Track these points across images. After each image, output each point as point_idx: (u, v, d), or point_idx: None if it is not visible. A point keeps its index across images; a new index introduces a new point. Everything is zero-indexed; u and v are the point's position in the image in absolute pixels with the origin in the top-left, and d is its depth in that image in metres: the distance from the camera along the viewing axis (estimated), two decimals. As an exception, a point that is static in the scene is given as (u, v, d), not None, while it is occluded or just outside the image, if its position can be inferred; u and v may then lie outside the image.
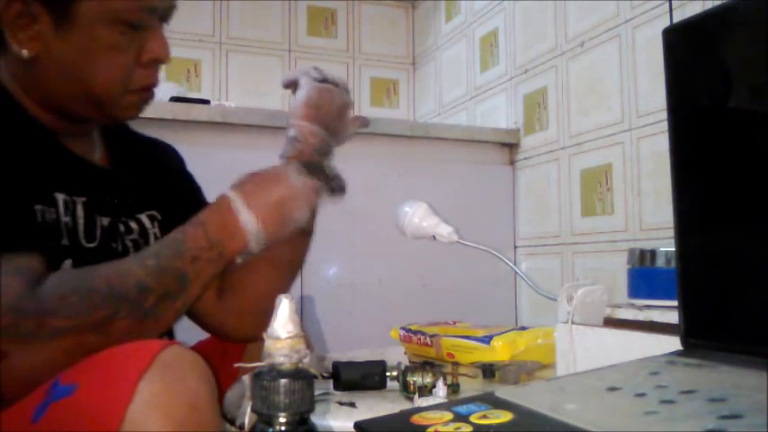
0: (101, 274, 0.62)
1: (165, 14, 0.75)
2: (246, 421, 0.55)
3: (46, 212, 0.67)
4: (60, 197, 0.69)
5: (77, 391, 0.52)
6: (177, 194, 0.91)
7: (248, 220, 0.70)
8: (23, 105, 0.72)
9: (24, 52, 0.67)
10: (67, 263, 0.68)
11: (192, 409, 0.52)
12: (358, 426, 0.44)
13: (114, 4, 0.68)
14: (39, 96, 0.71)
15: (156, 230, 0.82)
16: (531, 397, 0.44)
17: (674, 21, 1.27)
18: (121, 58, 0.71)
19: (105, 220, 0.75)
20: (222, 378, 0.89)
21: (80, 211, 0.71)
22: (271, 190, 0.74)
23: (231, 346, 0.91)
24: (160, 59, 0.74)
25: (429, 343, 1.06)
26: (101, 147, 0.82)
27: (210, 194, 1.52)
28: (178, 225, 0.72)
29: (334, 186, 0.86)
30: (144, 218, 0.81)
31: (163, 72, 2.18)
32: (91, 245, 0.71)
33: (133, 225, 0.79)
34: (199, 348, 0.93)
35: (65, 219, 0.69)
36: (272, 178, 0.76)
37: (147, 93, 0.76)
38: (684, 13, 1.22)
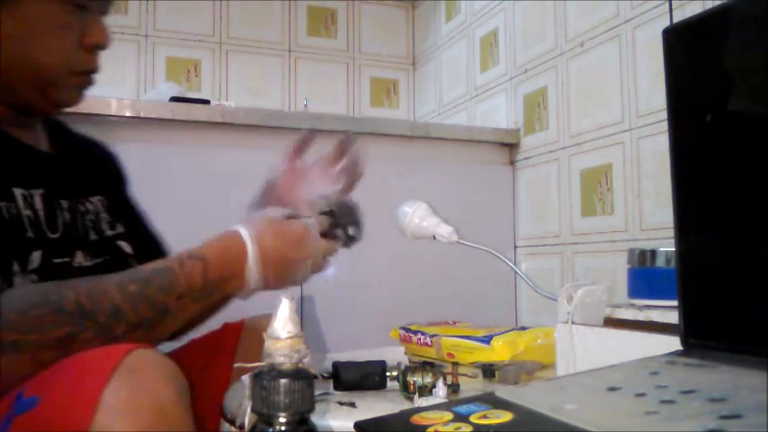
0: (72, 292, 0.60)
1: (104, 6, 0.76)
2: (246, 421, 0.55)
3: (9, 208, 0.67)
4: (18, 192, 0.69)
5: (41, 403, 0.51)
6: (118, 184, 0.92)
7: (253, 274, 0.69)
8: None
9: None
10: (36, 254, 0.68)
11: (161, 414, 0.51)
12: (358, 426, 0.44)
13: None
14: None
15: (106, 214, 0.83)
16: (531, 397, 0.44)
17: (674, 21, 1.27)
18: (66, 37, 0.72)
19: (65, 206, 0.75)
20: (214, 373, 0.89)
21: (38, 204, 0.71)
22: (288, 250, 0.72)
23: (224, 341, 0.91)
24: (101, 44, 0.75)
25: (429, 343, 1.07)
26: (45, 138, 0.82)
27: (210, 194, 1.52)
28: (123, 211, 0.73)
29: (350, 237, 0.85)
30: (95, 201, 0.82)
31: (163, 72, 2.19)
32: (55, 235, 0.72)
33: (89, 206, 0.80)
34: (189, 346, 0.94)
35: (26, 212, 0.69)
36: (293, 238, 0.73)
37: (88, 77, 0.76)
38: (684, 13, 1.22)
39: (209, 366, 0.89)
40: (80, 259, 0.74)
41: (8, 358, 0.56)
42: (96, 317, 0.59)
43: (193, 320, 0.86)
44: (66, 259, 0.72)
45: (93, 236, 0.79)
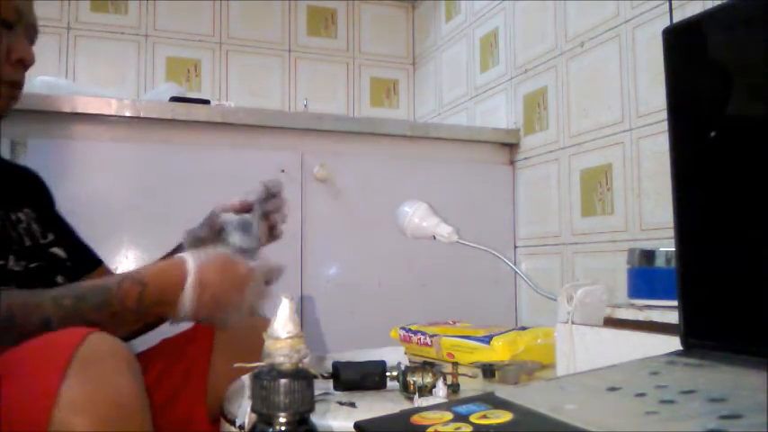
0: (7, 301, 0.61)
1: (32, 34, 0.81)
2: (246, 421, 0.55)
3: None
4: None
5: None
6: (45, 201, 0.94)
7: (188, 304, 0.70)
8: None
9: None
10: None
11: (119, 407, 0.52)
12: (358, 426, 0.44)
13: None
14: None
15: (36, 225, 0.84)
16: (531, 397, 0.44)
17: (674, 21, 1.27)
18: None
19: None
20: (188, 366, 0.89)
21: None
22: (227, 289, 0.73)
23: (199, 333, 0.91)
24: (25, 61, 0.79)
25: (429, 343, 1.06)
26: None
27: (210, 194, 1.52)
28: (53, 222, 0.75)
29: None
30: (25, 212, 0.84)
31: (163, 72, 2.18)
32: None
33: (21, 216, 0.83)
34: (162, 346, 0.94)
35: None
36: (236, 280, 0.74)
37: (15, 89, 0.80)
38: (684, 13, 1.22)
39: (186, 367, 0.89)
40: (12, 264, 0.75)
41: None
42: (25, 327, 0.60)
43: (125, 337, 0.87)
44: (2, 262, 0.73)
45: (27, 242, 0.81)
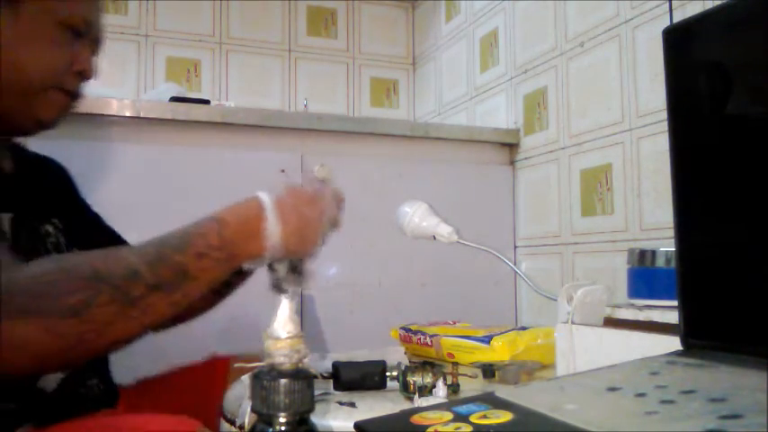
0: (86, 258, 0.58)
1: (96, 45, 0.80)
2: (246, 421, 0.55)
3: None
4: None
5: None
6: (74, 201, 0.93)
7: (274, 230, 0.65)
8: None
9: None
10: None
11: None
12: (358, 426, 0.44)
13: (60, 6, 0.74)
14: None
15: (63, 238, 0.83)
16: (531, 397, 0.44)
17: (674, 21, 1.27)
18: (56, 54, 0.75)
19: (29, 230, 0.76)
20: (203, 399, 0.88)
21: (7, 227, 0.72)
22: (304, 206, 0.69)
23: (212, 379, 0.90)
24: (87, 73, 0.78)
25: (429, 343, 1.06)
26: (7, 158, 0.83)
27: (210, 194, 1.52)
28: (79, 232, 0.75)
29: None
30: (54, 223, 0.83)
31: (163, 72, 2.18)
32: (20, 259, 0.72)
33: (49, 228, 0.81)
34: (173, 378, 0.93)
35: None
36: (307, 196, 0.71)
37: (70, 99, 0.78)
38: (684, 13, 1.22)
39: (195, 409, 0.89)
40: None
41: (18, 325, 0.52)
42: (112, 279, 0.56)
43: (212, 298, 0.84)
44: None
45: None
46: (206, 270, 0.62)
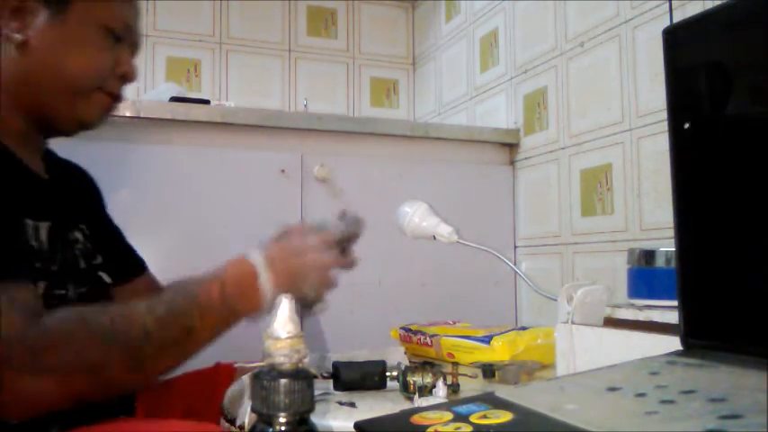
0: (106, 316, 0.63)
1: (134, 48, 0.83)
2: (246, 421, 0.55)
3: (21, 239, 0.69)
4: (29, 223, 0.71)
5: None
6: (100, 209, 0.95)
7: (267, 286, 0.71)
8: None
9: (17, 36, 0.72)
10: (41, 285, 0.69)
11: None
12: (358, 426, 0.44)
13: (103, 11, 0.77)
14: (19, 92, 0.74)
15: (89, 245, 0.84)
16: (531, 397, 0.44)
17: (674, 21, 1.27)
18: (100, 57, 0.77)
19: (61, 237, 0.77)
20: (201, 415, 0.88)
21: (44, 236, 0.73)
22: (292, 256, 0.74)
23: (213, 388, 0.90)
24: (129, 76, 0.81)
25: (429, 343, 1.06)
26: (40, 162, 0.83)
27: (210, 194, 1.52)
28: (103, 239, 0.77)
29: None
30: (81, 229, 0.83)
31: (163, 72, 2.18)
32: (54, 267, 0.73)
33: (77, 235, 0.82)
34: (178, 383, 0.93)
35: (33, 243, 0.71)
36: (294, 245, 0.76)
37: (112, 100, 0.81)
38: (684, 13, 1.22)
39: (201, 413, 0.89)
40: (71, 291, 0.75)
41: (36, 381, 0.58)
42: (127, 341, 0.62)
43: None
44: (63, 291, 0.73)
45: (82, 264, 0.80)
46: (210, 327, 0.68)
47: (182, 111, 1.44)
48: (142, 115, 1.39)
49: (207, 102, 1.60)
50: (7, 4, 0.72)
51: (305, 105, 2.21)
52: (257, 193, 1.49)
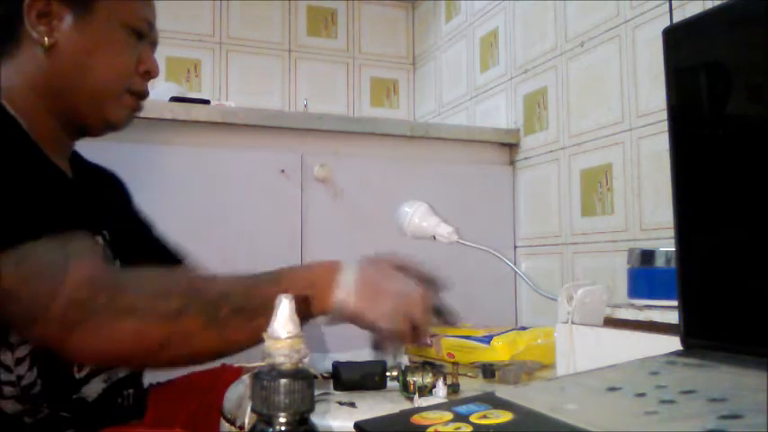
0: (186, 274, 0.66)
1: (154, 43, 0.85)
2: (246, 421, 0.55)
3: None
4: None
5: None
6: (124, 218, 0.94)
7: (346, 283, 0.70)
8: (27, 126, 0.73)
9: (46, 40, 0.73)
10: None
11: None
12: (358, 426, 0.44)
13: (125, 10, 0.78)
14: (47, 94, 0.74)
15: (109, 251, 0.83)
16: (531, 397, 0.44)
17: (674, 21, 1.27)
18: (126, 57, 0.78)
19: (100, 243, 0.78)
20: (205, 413, 0.88)
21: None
22: (381, 277, 0.73)
23: (220, 382, 0.90)
24: (151, 72, 0.82)
25: (429, 343, 1.06)
26: (68, 164, 0.84)
27: (210, 194, 1.51)
28: (126, 244, 0.78)
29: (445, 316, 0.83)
30: (100, 236, 0.83)
31: (163, 72, 2.18)
32: None
33: (99, 240, 0.82)
34: (184, 381, 0.93)
35: None
36: (388, 268, 0.75)
37: (138, 99, 0.82)
38: (684, 13, 1.22)
39: (200, 411, 0.89)
40: None
41: (118, 322, 0.59)
42: (205, 295, 0.63)
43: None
44: None
45: None
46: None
47: (182, 111, 1.44)
48: (142, 115, 1.39)
49: (207, 102, 1.60)
50: (34, 8, 0.73)
51: (305, 105, 2.21)
52: (257, 193, 1.49)
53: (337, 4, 2.39)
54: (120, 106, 0.79)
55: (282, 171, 1.51)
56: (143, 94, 0.82)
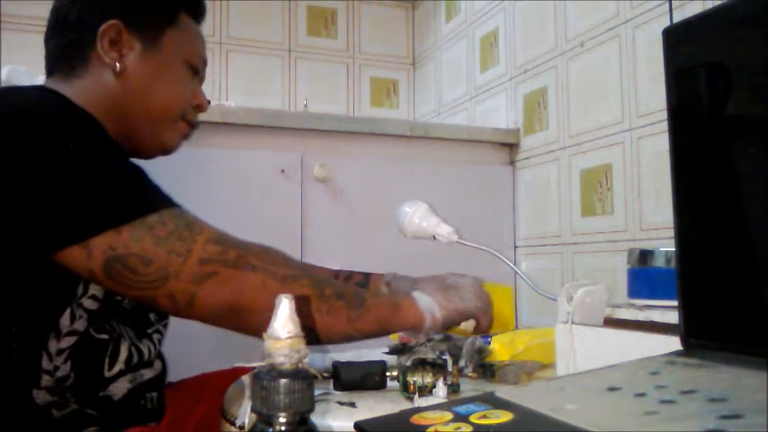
0: (297, 259, 0.74)
1: (203, 78, 0.92)
2: (246, 421, 0.55)
3: None
4: None
5: None
6: None
7: (424, 297, 0.83)
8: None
9: (117, 65, 0.80)
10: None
11: None
12: (358, 426, 0.44)
13: (187, 47, 0.86)
14: (111, 115, 0.79)
15: None
16: (531, 397, 0.44)
17: (674, 21, 1.27)
18: (184, 88, 0.86)
19: None
20: (217, 415, 0.89)
21: None
22: (444, 281, 0.91)
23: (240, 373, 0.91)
24: (202, 107, 0.90)
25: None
26: None
27: (210, 194, 1.51)
28: None
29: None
30: None
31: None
32: None
33: None
34: (198, 381, 0.94)
35: None
36: (447, 279, 0.93)
37: (190, 128, 0.90)
38: (684, 13, 1.23)
39: (212, 413, 0.89)
40: (126, 302, 0.78)
41: (250, 275, 0.68)
42: (314, 274, 0.74)
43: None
44: (119, 297, 0.76)
45: None
46: (378, 306, 0.76)
47: (182, 111, 1.44)
48: (142, 115, 1.39)
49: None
50: (107, 36, 0.79)
51: (305, 105, 2.21)
52: (257, 193, 1.49)
53: (337, 4, 2.39)
54: (174, 130, 0.87)
55: (282, 171, 1.51)
56: (195, 124, 0.90)
